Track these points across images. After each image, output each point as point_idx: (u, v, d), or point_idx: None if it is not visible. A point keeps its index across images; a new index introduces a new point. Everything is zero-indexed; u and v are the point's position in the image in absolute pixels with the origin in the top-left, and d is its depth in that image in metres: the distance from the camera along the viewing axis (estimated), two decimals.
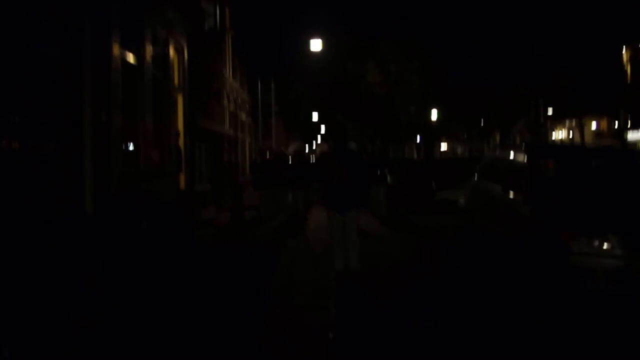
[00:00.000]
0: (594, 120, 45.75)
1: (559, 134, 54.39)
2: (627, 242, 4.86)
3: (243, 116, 23.28)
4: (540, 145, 12.36)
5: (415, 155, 42.65)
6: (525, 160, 6.68)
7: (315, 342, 4.36)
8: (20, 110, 6.18)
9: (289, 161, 19.53)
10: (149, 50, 10.37)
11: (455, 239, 9.11)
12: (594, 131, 47.39)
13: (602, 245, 4.91)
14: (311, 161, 18.61)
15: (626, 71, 39.96)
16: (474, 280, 6.37)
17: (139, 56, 9.95)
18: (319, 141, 63.56)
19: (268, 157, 28.06)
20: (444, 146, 73.20)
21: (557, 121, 53.40)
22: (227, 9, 18.71)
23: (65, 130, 7.24)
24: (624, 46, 39.82)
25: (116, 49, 8.58)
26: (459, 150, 77.27)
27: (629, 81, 39.19)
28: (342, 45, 23.47)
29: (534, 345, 4.26)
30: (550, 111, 50.04)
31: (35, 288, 4.90)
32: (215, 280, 6.65)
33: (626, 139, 38.96)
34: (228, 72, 19.62)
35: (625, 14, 35.97)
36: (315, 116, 37.58)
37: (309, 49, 20.55)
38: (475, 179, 8.53)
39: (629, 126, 40.70)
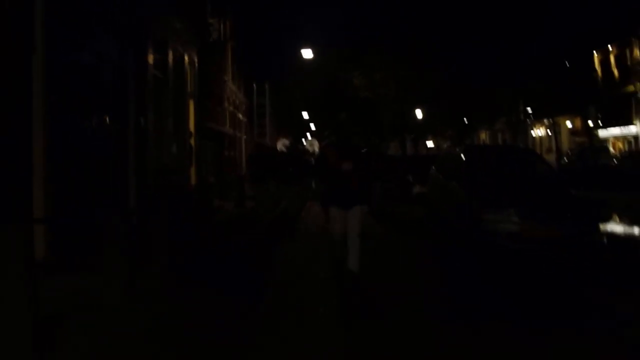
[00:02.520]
0: (568, 119, 48.13)
1: (538, 132, 56.77)
2: (520, 213, 7.14)
3: (240, 116, 25.52)
4: (475, 146, 14.35)
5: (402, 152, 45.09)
6: (463, 157, 8.99)
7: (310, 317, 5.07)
8: (93, 118, 8.42)
9: (278, 155, 20.73)
10: (170, 64, 12.57)
11: (420, 223, 11.22)
12: (569, 129, 49.82)
13: (505, 215, 7.18)
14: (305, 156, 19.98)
15: (597, 73, 42.52)
16: (424, 245, 8.64)
17: (164, 70, 12.15)
18: (309, 137, 65.92)
19: (255, 151, 29.81)
20: (430, 143, 75.30)
21: (536, 120, 55.82)
22: (228, 21, 20.92)
23: (117, 133, 9.45)
24: (595, 50, 42.30)
25: (150, 67, 10.78)
26: (445, 146, 79.53)
27: (599, 83, 41.74)
28: (331, 53, 25.84)
29: (461, 277, 6.59)
30: (529, 110, 52.39)
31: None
32: (230, 254, 8.54)
33: (596, 136, 41.63)
34: (228, 77, 21.84)
35: (597, 21, 38.45)
36: (305, 115, 39.82)
37: (301, 56, 22.74)
38: (433, 171, 10.79)
39: (600, 125, 43.34)
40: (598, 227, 7.33)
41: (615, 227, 10.87)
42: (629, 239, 9.50)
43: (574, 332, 4.63)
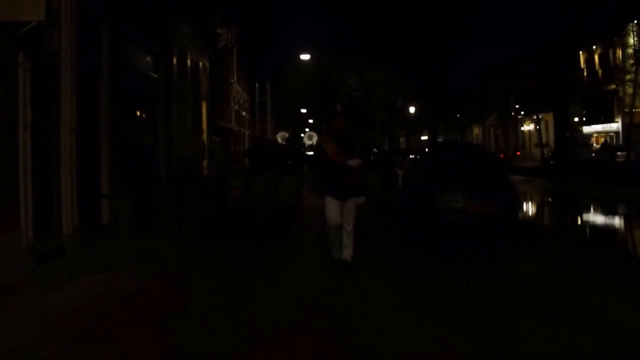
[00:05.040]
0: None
1: (527, 128, 58.91)
2: (464, 194, 9.42)
3: (244, 113, 27.85)
4: (436, 143, 16.51)
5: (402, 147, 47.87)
6: (427, 150, 11.30)
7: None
8: (135, 120, 10.70)
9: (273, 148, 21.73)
10: (188, 72, 14.85)
11: (395, 208, 13.43)
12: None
13: (453, 196, 9.46)
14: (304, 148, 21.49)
15: (582, 72, 44.74)
16: (396, 222, 10.96)
17: (184, 76, 14.42)
18: (307, 131, 68.30)
19: (251, 144, 31.75)
20: (424, 137, 77.34)
21: (526, 116, 58.04)
22: (234, 29, 23.19)
23: (150, 131, 11.74)
24: (579, 51, 44.45)
25: (175, 76, 13.06)
26: (439, 139, 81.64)
27: (584, 81, 43.98)
28: (326, 56, 28.18)
29: (426, 247, 8.90)
30: (518, 107, 54.62)
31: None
32: (243, 227, 10.98)
33: (580, 132, 44.03)
34: (234, 79, 24.15)
35: (580, 24, 40.52)
36: (304, 110, 42.22)
37: (299, 58, 25.04)
38: (405, 164, 13.09)
39: (584, 121, 45.78)
40: (519, 205, 9.69)
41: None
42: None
43: (479, 264, 7.07)
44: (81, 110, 7.69)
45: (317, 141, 8.36)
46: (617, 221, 12.87)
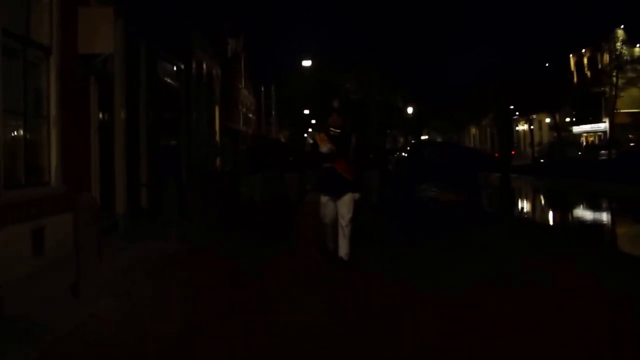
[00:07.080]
0: (548, 116, 52.14)
1: (522, 127, 60.64)
2: (438, 185, 11.40)
3: (250, 115, 29.89)
4: (417, 142, 18.53)
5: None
6: (410, 149, 13.31)
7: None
8: (163, 124, 12.65)
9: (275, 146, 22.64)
10: (204, 79, 16.83)
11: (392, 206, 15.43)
12: (548, 124, 53.91)
13: (428, 187, 11.44)
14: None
15: (572, 74, 46.60)
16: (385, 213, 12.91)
17: (200, 83, 16.39)
18: (310, 130, 70.16)
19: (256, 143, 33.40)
20: (423, 137, 79.07)
21: (521, 116, 59.80)
22: (241, 37, 25.22)
23: (173, 133, 13.70)
24: (570, 54, 46.38)
25: (194, 84, 15.03)
26: (438, 139, 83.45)
27: (574, 82, 45.83)
28: (326, 56, 30.27)
29: (404, 227, 10.80)
30: (513, 107, 56.40)
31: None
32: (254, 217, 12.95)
33: (570, 131, 46.00)
34: (242, 84, 26.19)
35: (571, 27, 42.44)
36: (306, 111, 44.16)
37: (299, 59, 27.07)
38: (393, 162, 15.08)
39: (574, 121, 47.76)
40: (481, 195, 11.71)
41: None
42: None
43: (448, 240, 9.01)
44: (128, 116, 9.68)
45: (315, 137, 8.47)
46: (577, 211, 14.88)
